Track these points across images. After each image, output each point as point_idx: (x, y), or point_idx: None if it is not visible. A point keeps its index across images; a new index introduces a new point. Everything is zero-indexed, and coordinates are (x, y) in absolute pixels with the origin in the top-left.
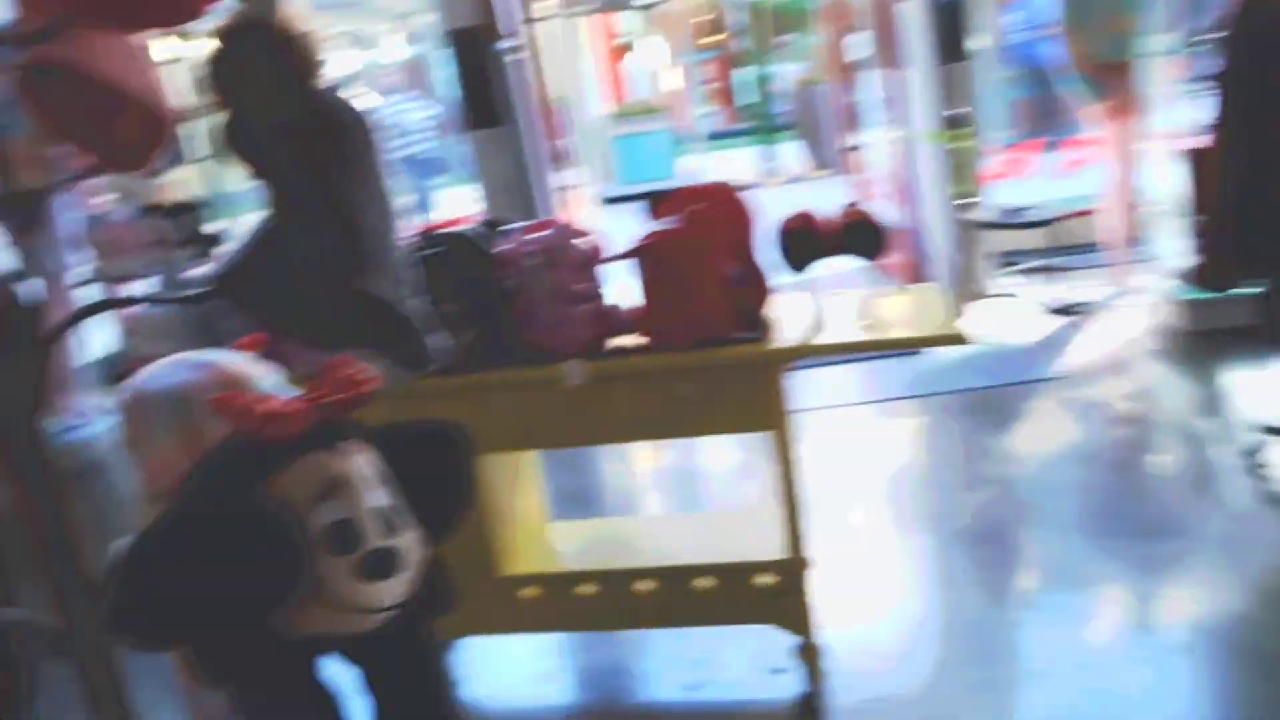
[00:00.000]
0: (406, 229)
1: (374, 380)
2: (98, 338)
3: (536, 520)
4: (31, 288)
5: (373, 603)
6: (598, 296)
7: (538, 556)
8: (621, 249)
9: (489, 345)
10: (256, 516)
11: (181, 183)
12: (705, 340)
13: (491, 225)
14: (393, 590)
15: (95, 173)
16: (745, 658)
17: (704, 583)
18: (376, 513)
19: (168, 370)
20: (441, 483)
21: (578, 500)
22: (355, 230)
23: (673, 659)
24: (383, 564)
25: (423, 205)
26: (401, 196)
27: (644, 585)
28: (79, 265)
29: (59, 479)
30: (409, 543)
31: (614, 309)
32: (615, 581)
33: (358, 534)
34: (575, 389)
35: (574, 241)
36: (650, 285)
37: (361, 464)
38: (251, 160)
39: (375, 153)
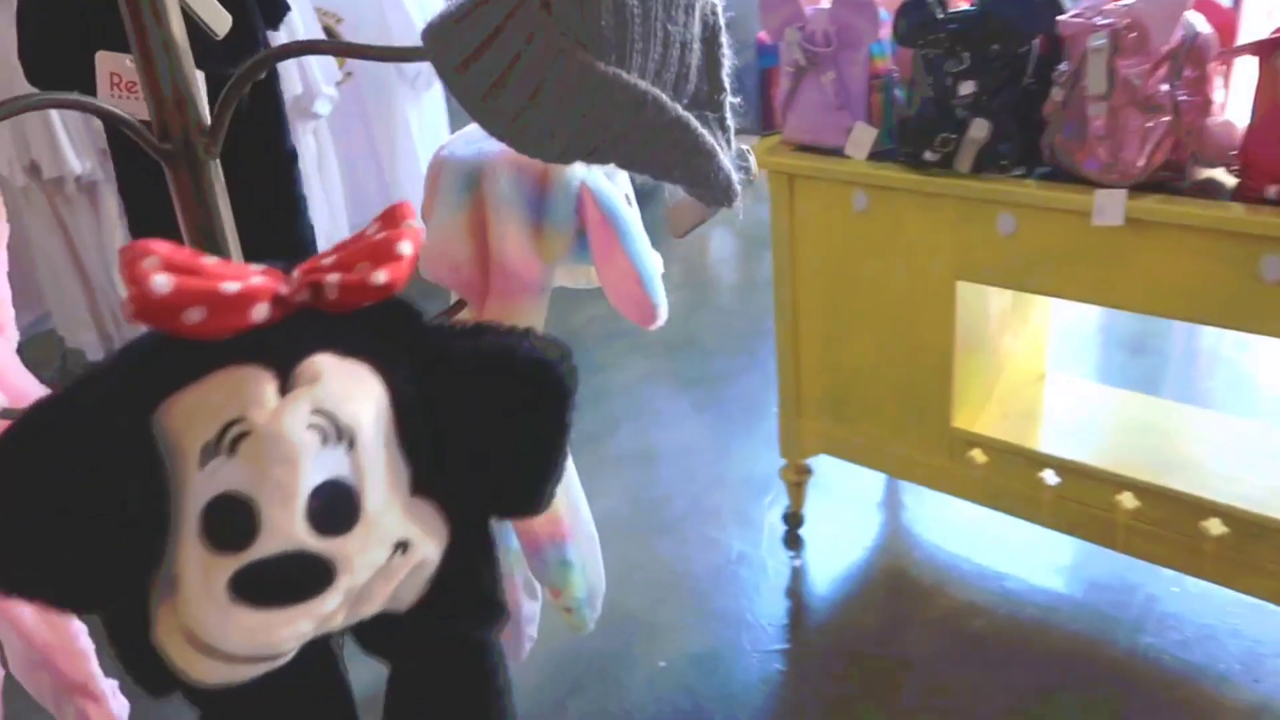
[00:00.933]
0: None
1: (406, 260)
2: None
3: (1025, 376)
4: None
5: (234, 642)
6: (1194, 108)
7: (1002, 418)
8: (1248, 40)
9: (1003, 148)
10: (102, 455)
11: None
12: None
13: None
14: (287, 627)
15: None
16: None
17: (1238, 536)
18: (307, 491)
19: (478, 135)
20: (504, 443)
21: (1135, 351)
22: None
23: (1196, 607)
24: (272, 582)
25: None
26: None
27: (1129, 503)
28: None
29: None
30: (361, 549)
31: (1205, 128)
32: (1088, 483)
33: (249, 523)
34: (1108, 229)
35: (1178, 21)
36: (1272, 101)
37: (317, 399)
38: None
39: None
